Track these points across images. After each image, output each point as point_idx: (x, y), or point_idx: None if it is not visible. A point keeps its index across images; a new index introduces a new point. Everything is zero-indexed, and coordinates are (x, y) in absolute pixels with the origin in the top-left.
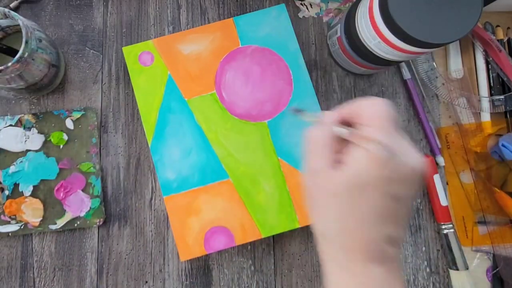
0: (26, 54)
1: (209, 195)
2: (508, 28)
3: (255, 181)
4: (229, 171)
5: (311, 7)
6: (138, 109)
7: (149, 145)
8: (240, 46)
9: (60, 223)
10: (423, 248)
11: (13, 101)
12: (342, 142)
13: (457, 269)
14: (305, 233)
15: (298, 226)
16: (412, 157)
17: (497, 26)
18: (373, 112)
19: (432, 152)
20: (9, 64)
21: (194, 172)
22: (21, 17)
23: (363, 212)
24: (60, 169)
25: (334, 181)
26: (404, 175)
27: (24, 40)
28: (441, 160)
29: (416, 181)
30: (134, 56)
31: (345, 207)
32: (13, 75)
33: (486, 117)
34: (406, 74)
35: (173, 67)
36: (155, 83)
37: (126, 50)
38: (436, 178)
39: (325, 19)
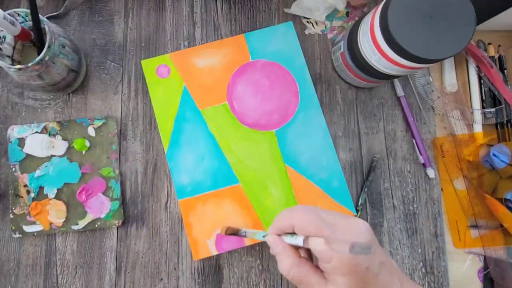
0: (47, 58)
1: (220, 199)
2: (499, 45)
3: (263, 186)
4: (239, 176)
5: (317, 24)
6: (155, 118)
7: (165, 152)
8: (251, 60)
9: (82, 223)
10: (419, 250)
11: (39, 110)
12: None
13: None
14: None
15: None
16: (357, 227)
17: (489, 43)
18: (301, 221)
19: (423, 165)
20: (30, 64)
21: (207, 177)
22: (48, 22)
23: None
24: (82, 173)
25: None
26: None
27: (47, 44)
28: (431, 172)
29: (374, 239)
30: (152, 69)
31: None
32: (32, 74)
33: (478, 128)
34: (400, 92)
35: (188, 79)
36: (171, 94)
37: (144, 63)
38: None
39: (329, 36)
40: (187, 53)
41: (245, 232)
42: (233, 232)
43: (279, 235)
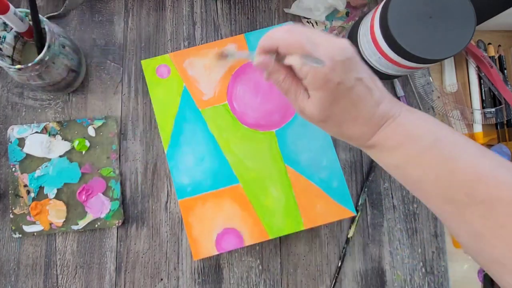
0: (47, 58)
1: (220, 199)
2: (499, 45)
3: (263, 186)
4: (239, 176)
5: (317, 24)
6: (155, 118)
7: (165, 152)
8: (247, 60)
9: (82, 223)
10: (419, 250)
11: (39, 110)
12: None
13: None
14: (310, 235)
15: (303, 228)
16: (338, 45)
17: (489, 44)
18: (284, 40)
19: None
20: (29, 64)
21: (207, 177)
22: (48, 22)
23: (348, 112)
24: (82, 173)
25: (314, 111)
26: (346, 67)
27: (47, 44)
28: None
29: (354, 57)
30: (152, 69)
31: (334, 119)
32: (32, 74)
33: (478, 128)
34: (400, 92)
35: (188, 79)
36: (171, 94)
37: (144, 63)
38: None
39: None
40: (187, 53)
41: (233, 55)
42: (222, 56)
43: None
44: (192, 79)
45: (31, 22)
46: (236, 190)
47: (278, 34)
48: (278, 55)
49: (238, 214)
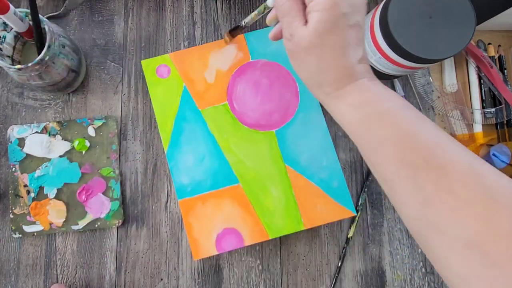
0: (47, 58)
1: (220, 199)
2: (499, 45)
3: (263, 186)
4: (239, 176)
5: None
6: (155, 118)
7: (165, 152)
8: (251, 60)
9: (82, 223)
10: (419, 250)
11: (39, 110)
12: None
13: None
14: (310, 235)
15: (303, 228)
16: None
17: (489, 44)
18: None
19: None
20: (29, 64)
21: (207, 177)
22: (48, 22)
23: (336, 49)
24: (82, 173)
25: (306, 36)
26: (356, 5)
27: (47, 44)
28: None
29: (364, 5)
30: (152, 69)
31: (320, 51)
32: (32, 74)
33: (478, 128)
34: (400, 92)
35: (188, 79)
36: (171, 94)
37: (144, 63)
38: None
39: None
40: (187, 53)
41: (245, 21)
42: (235, 29)
43: None
44: (192, 79)
45: (31, 22)
46: (236, 190)
47: None
48: None
49: (238, 214)
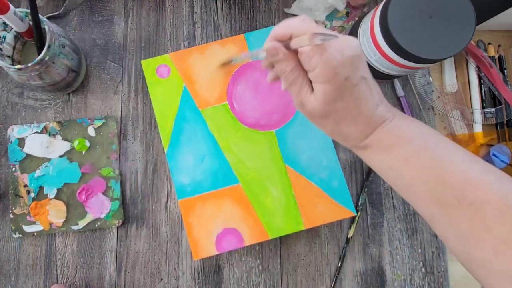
0: (47, 58)
1: (220, 199)
2: (499, 45)
3: (263, 186)
4: (239, 176)
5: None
6: (155, 118)
7: (165, 152)
8: (251, 60)
9: (82, 223)
10: (419, 250)
11: (39, 110)
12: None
13: None
14: (310, 235)
15: (303, 228)
16: (348, 41)
17: (489, 44)
18: (301, 26)
19: None
20: (29, 64)
21: (207, 177)
22: (48, 22)
23: (350, 110)
24: (82, 173)
25: (317, 106)
26: (355, 63)
27: (47, 44)
28: None
29: (362, 55)
30: (152, 69)
31: (335, 115)
32: (32, 74)
33: (478, 128)
34: (400, 92)
35: (188, 79)
36: (171, 94)
37: (144, 63)
38: None
39: None
40: (187, 53)
41: (237, 58)
42: (226, 62)
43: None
44: (192, 79)
45: (31, 22)
46: (236, 190)
47: (293, 22)
48: (288, 46)
49: (238, 214)
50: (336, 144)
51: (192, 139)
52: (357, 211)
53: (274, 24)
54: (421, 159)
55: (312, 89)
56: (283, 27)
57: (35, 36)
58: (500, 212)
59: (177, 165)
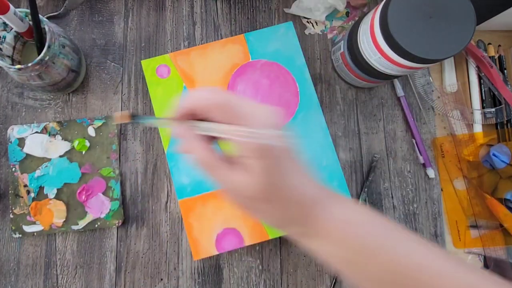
0: (47, 58)
1: (220, 199)
2: (499, 45)
3: None
4: None
5: (317, 24)
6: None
7: (165, 152)
8: (251, 60)
9: (82, 223)
10: None
11: (39, 110)
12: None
13: None
14: None
15: None
16: (273, 111)
17: (489, 44)
18: (206, 103)
19: (423, 165)
20: (29, 64)
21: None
22: (48, 22)
23: (290, 181)
24: (82, 173)
25: (256, 187)
26: (284, 131)
27: (47, 44)
28: (431, 172)
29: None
30: (152, 69)
31: (275, 194)
32: (32, 74)
33: (478, 128)
34: (400, 92)
35: (188, 79)
36: (171, 94)
37: (144, 63)
38: None
39: (329, 36)
40: (187, 53)
41: (143, 118)
42: (125, 118)
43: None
44: (192, 79)
45: (31, 22)
46: None
47: (203, 94)
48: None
49: (238, 214)
50: (336, 144)
51: None
52: None
53: (274, 24)
54: (372, 263)
55: (229, 164)
56: (192, 100)
57: (35, 36)
58: None
59: (177, 165)
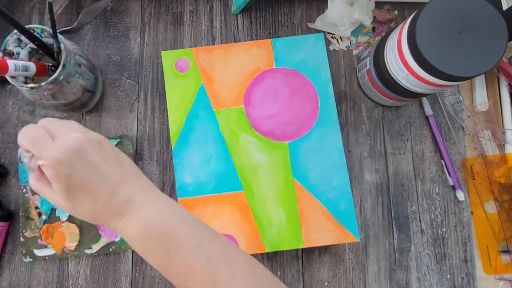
0: (62, 77)
1: (221, 204)
2: None
3: (267, 197)
4: (244, 183)
5: (342, 40)
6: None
7: (172, 148)
8: (274, 66)
9: (96, 247)
10: (448, 276)
11: None
12: None
13: None
14: (334, 260)
15: (302, 246)
16: (65, 141)
17: None
18: (20, 141)
19: (453, 187)
20: (43, 84)
21: (211, 179)
22: (65, 41)
23: (88, 200)
24: None
25: (61, 203)
26: (73, 159)
27: (62, 63)
28: (460, 194)
29: (81, 150)
30: (172, 61)
31: (81, 209)
32: (45, 93)
33: (510, 149)
34: (428, 111)
35: (207, 77)
36: (188, 90)
37: (165, 54)
38: None
39: (354, 52)
40: (210, 50)
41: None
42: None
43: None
44: (211, 77)
45: (44, 39)
46: (239, 197)
47: (20, 135)
48: None
49: (237, 221)
50: (362, 165)
51: (202, 138)
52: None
53: None
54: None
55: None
56: (22, 141)
57: (49, 53)
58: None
59: (182, 162)
